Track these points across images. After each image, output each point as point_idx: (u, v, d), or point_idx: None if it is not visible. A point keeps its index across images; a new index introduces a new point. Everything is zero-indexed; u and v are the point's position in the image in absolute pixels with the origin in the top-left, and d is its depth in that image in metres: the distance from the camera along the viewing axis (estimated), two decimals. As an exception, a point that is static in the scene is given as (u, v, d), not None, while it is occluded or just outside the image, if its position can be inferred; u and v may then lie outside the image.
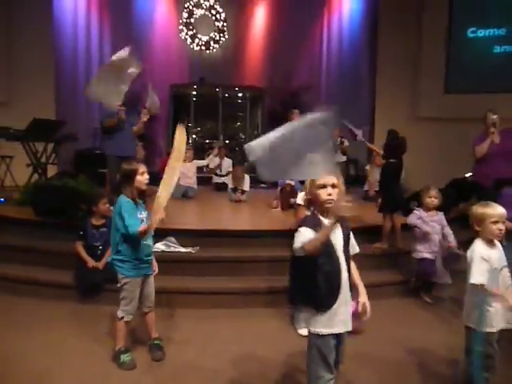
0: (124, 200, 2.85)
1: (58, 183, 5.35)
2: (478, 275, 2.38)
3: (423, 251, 4.12)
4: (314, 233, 2.09)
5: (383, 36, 9.86)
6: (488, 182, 5.02)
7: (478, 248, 2.46)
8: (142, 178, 2.89)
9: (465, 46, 9.54)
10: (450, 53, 9.51)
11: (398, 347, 3.27)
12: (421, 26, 9.48)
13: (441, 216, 4.22)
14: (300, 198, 3.56)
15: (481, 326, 2.39)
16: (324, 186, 2.11)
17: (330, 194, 2.11)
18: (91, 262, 4.02)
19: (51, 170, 7.12)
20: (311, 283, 2.14)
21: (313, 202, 2.19)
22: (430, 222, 4.14)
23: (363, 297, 2.24)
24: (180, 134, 2.75)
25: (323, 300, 2.13)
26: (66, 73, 9.28)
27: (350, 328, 2.20)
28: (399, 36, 9.51)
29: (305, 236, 2.10)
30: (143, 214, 2.92)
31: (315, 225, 2.13)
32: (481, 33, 9.42)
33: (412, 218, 4.19)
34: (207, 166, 8.47)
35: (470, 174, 7.38)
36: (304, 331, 3.19)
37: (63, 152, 8.24)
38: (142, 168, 2.90)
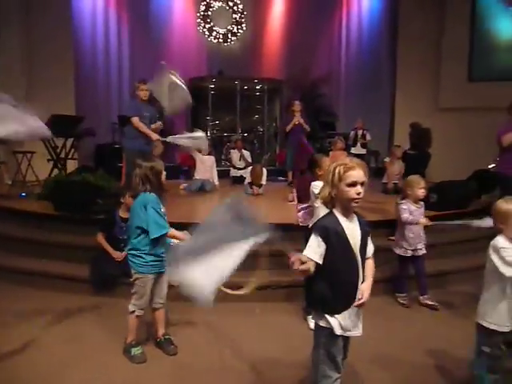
0: (152, 197, 2.89)
1: (77, 178, 5.44)
2: None
3: (408, 248, 3.87)
4: (322, 243, 2.00)
5: (404, 24, 9.61)
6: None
7: (503, 244, 2.32)
8: (164, 176, 2.98)
9: (489, 31, 9.22)
10: (474, 39, 9.20)
11: (414, 346, 3.22)
12: (444, 9, 9.19)
13: (423, 208, 3.96)
14: (316, 188, 3.42)
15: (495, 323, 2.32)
16: (354, 184, 1.99)
17: (359, 193, 1.99)
18: (115, 253, 4.05)
19: (71, 165, 7.25)
20: (325, 289, 2.04)
21: (336, 199, 2.05)
22: (417, 215, 3.85)
23: (365, 285, 2.09)
24: None
25: (335, 304, 2.06)
26: (85, 68, 9.39)
27: (359, 332, 2.14)
28: (421, 23, 9.23)
29: (314, 249, 2.01)
30: (163, 209, 2.97)
31: (332, 225, 2.03)
32: (506, 17, 9.09)
33: (406, 215, 3.82)
34: (225, 159, 8.48)
35: (493, 165, 7.19)
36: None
37: (83, 147, 8.37)
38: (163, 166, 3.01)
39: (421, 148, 6.75)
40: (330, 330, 2.06)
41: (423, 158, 6.34)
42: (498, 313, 2.32)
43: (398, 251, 3.92)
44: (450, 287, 4.35)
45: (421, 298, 3.94)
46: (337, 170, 2.02)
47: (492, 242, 2.37)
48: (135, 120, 5.36)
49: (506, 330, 2.33)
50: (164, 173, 3.01)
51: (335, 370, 2.13)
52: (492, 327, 2.32)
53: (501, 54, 9.13)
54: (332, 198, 2.05)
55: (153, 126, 5.48)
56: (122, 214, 4.17)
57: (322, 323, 2.10)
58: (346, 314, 2.07)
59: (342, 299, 2.06)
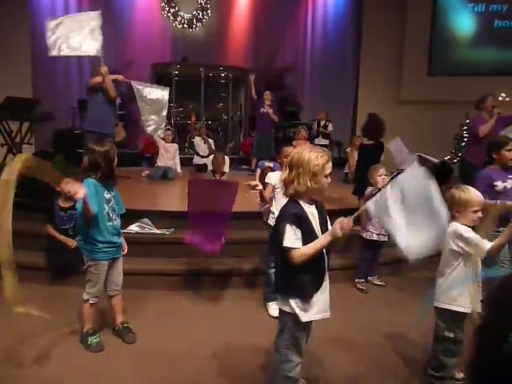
0: (89, 182, 2.76)
1: (33, 163, 5.23)
2: (486, 242, 2.32)
3: (374, 232, 4.01)
4: (298, 230, 1.99)
5: (369, 16, 9.75)
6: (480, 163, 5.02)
7: (462, 228, 2.40)
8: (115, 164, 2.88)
9: (449, 27, 9.49)
10: (435, 33, 9.45)
11: (370, 330, 3.30)
12: (406, 4, 9.38)
13: None
14: (273, 177, 3.48)
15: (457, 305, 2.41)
16: (329, 174, 2.05)
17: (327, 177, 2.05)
18: (69, 241, 3.90)
19: (28, 150, 6.96)
20: (295, 273, 2.04)
21: (311, 189, 2.02)
22: None
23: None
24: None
25: (307, 290, 2.07)
26: (43, 50, 8.97)
27: (328, 314, 2.17)
28: (384, 17, 9.39)
29: (293, 237, 1.99)
30: (111, 193, 2.89)
31: (299, 211, 2.03)
32: (465, 12, 9.38)
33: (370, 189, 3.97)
34: (188, 146, 8.36)
35: (449, 157, 7.46)
36: (275, 312, 3.19)
37: (41, 132, 8.06)
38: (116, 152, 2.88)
39: (375, 138, 6.85)
40: (296, 315, 2.07)
41: (378, 148, 6.43)
42: (465, 295, 2.39)
43: (364, 234, 4.06)
44: (406, 273, 4.49)
45: (369, 278, 4.25)
46: (319, 161, 1.99)
47: (451, 230, 2.42)
48: (90, 80, 5.50)
49: (469, 311, 2.40)
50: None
51: (298, 354, 2.16)
52: (459, 309, 2.40)
53: (459, 49, 9.44)
54: (308, 188, 2.01)
55: (112, 76, 5.48)
56: (62, 203, 4.02)
57: (287, 309, 2.09)
58: (319, 297, 2.09)
59: (314, 282, 2.09)
